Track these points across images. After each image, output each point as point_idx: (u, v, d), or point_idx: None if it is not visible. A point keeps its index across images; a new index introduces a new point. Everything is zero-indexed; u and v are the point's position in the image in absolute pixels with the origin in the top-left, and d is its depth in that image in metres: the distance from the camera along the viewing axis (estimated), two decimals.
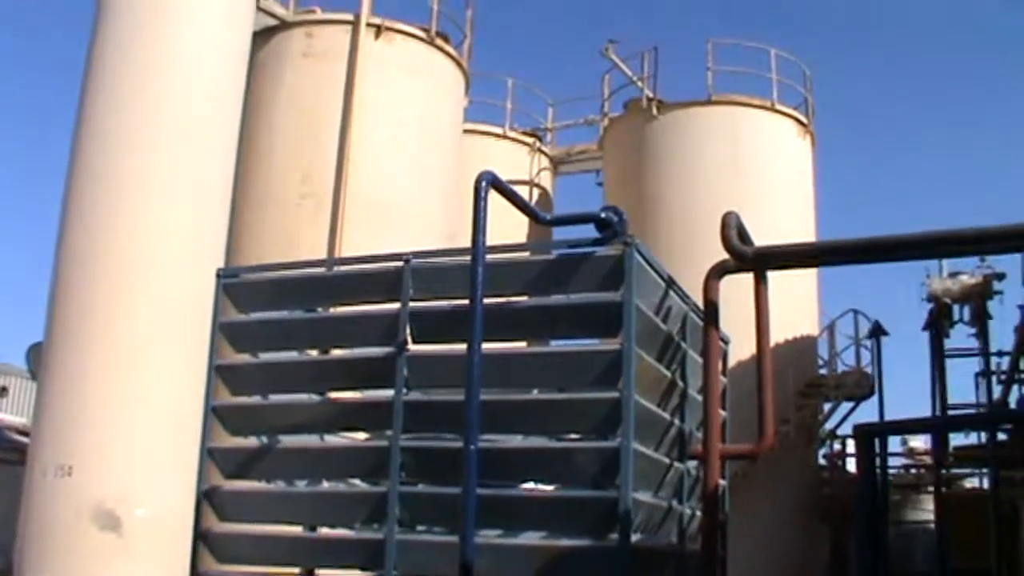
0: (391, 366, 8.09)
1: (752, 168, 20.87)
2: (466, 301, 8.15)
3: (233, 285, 8.90)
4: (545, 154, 23.92)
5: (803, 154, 21.87)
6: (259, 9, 17.53)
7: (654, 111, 21.12)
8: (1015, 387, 21.98)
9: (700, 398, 9.51)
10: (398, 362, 8.05)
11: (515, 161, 22.99)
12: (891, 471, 27.79)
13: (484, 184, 7.24)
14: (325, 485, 8.72)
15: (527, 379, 8.05)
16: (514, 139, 23.32)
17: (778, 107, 21.33)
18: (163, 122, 15.30)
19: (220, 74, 16.12)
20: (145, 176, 15.13)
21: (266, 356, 8.92)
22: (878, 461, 11.15)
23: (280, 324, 8.80)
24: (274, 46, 18.11)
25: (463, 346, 8.19)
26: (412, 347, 8.12)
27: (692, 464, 9.29)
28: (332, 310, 8.97)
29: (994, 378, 24.58)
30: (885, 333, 22.45)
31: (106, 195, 14.91)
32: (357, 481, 8.71)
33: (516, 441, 8.30)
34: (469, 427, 6.64)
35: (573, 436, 8.51)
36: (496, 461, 7.81)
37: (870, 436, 10.13)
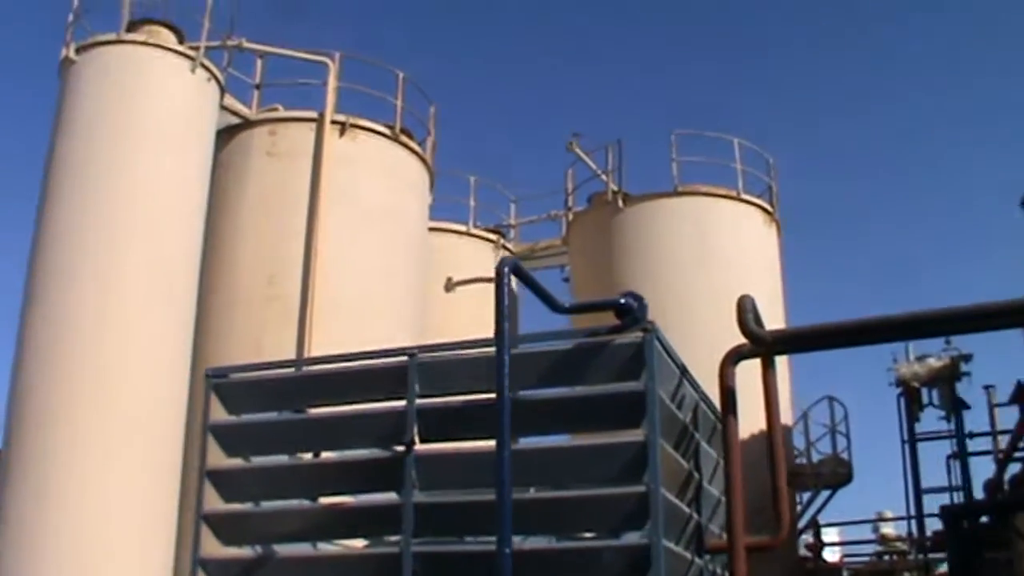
0: (398, 467, 7.64)
1: (720, 257, 20.67)
2: (474, 396, 7.84)
3: (223, 385, 8.42)
4: (509, 250, 23.63)
5: (770, 242, 21.75)
6: (222, 108, 17.21)
7: (620, 204, 20.90)
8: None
9: (713, 489, 9.17)
10: (406, 462, 7.61)
11: (479, 258, 22.63)
12: (864, 558, 27.54)
13: (506, 270, 6.89)
14: None
15: (547, 475, 7.62)
16: (478, 236, 22.99)
17: (744, 196, 21.23)
18: (127, 222, 14.87)
19: (184, 172, 15.78)
20: (109, 277, 14.64)
21: (259, 460, 8.42)
22: None
23: (275, 425, 8.33)
24: (237, 144, 17.72)
25: (474, 444, 7.82)
26: (420, 446, 7.68)
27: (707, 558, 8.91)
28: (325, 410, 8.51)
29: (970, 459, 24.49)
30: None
31: (67, 296, 14.39)
32: None
33: (534, 541, 7.83)
34: (502, 528, 6.18)
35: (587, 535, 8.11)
36: (522, 563, 7.36)
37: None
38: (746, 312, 8.27)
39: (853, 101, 75.66)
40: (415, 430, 7.65)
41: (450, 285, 21.99)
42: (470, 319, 21.70)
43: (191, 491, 15.07)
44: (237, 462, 8.39)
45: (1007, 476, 16.60)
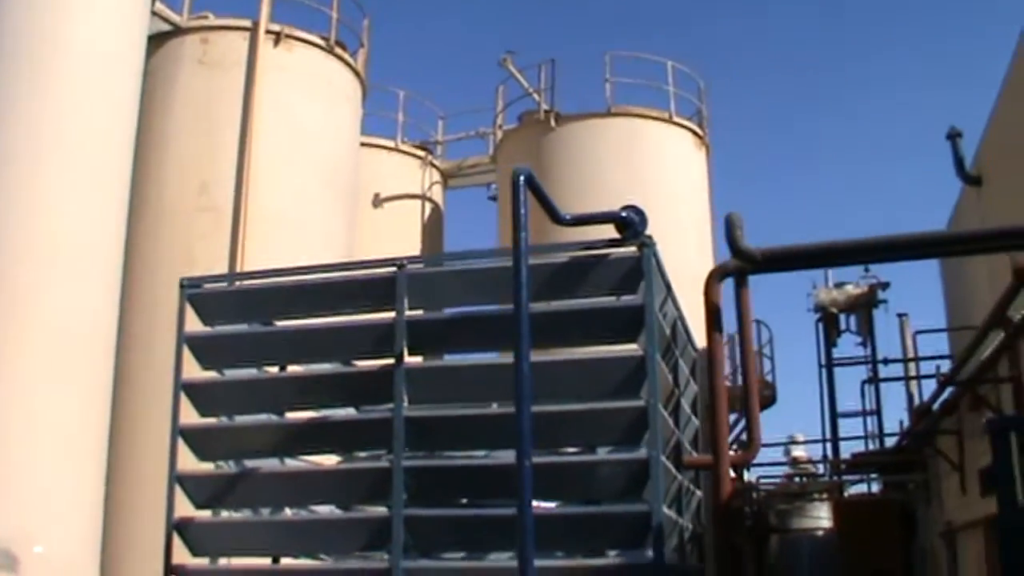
0: (387, 380, 7.45)
1: (650, 180, 20.66)
2: (460, 309, 7.71)
3: (198, 296, 8.11)
4: (436, 167, 23.37)
5: (699, 165, 21.84)
6: (152, 13, 16.54)
7: (551, 123, 20.75)
8: None
9: (686, 405, 9.17)
10: (396, 375, 7.41)
11: (407, 174, 22.39)
12: (775, 480, 28.19)
13: (522, 180, 6.70)
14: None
15: (545, 389, 7.51)
16: (406, 152, 22.70)
17: (675, 119, 21.23)
18: (54, 132, 14.24)
19: (113, 77, 15.10)
20: (35, 188, 14.04)
21: (238, 373, 8.17)
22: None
23: (255, 337, 8.07)
24: (167, 52, 17.09)
25: (462, 357, 7.70)
26: (410, 359, 7.51)
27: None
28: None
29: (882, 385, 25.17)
30: None
31: None
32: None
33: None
34: (521, 440, 6.06)
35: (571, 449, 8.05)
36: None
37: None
38: (736, 228, 8.23)
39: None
40: (404, 343, 7.46)
41: (377, 201, 21.68)
42: (396, 235, 21.52)
43: (127, 405, 14.91)
44: (214, 375, 8.11)
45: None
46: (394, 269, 7.62)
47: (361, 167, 20.01)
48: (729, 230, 8.25)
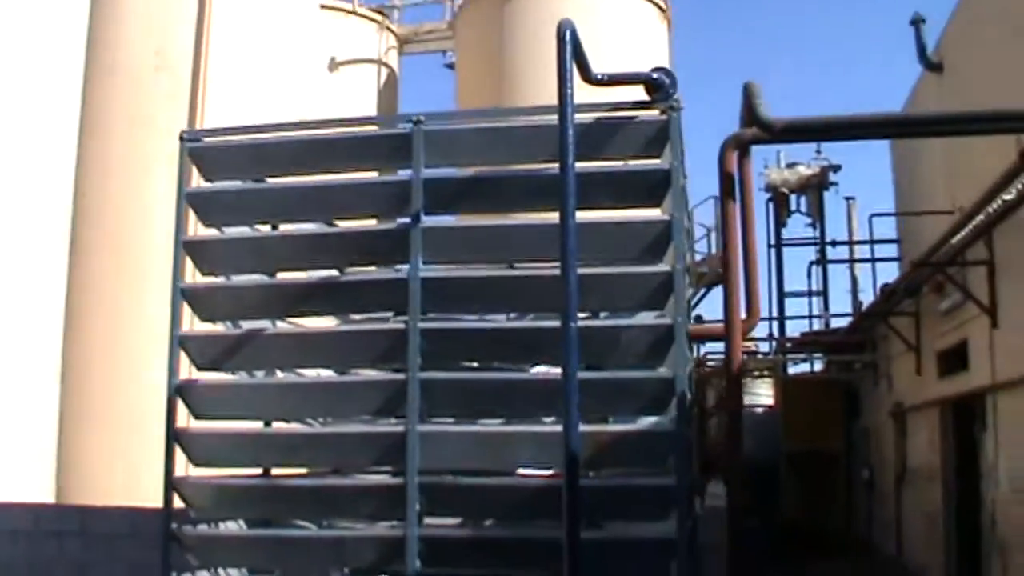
0: (403, 240, 7.19)
1: (612, 53, 20.26)
2: (482, 168, 7.48)
3: (201, 150, 7.74)
4: (393, 32, 22.77)
5: (661, 40, 21.51)
6: None
7: None
8: None
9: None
10: (413, 235, 7.16)
11: (363, 39, 21.77)
12: (719, 357, 28.51)
13: (568, 33, 6.42)
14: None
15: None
16: (363, 16, 22.05)
17: None
18: None
19: None
20: None
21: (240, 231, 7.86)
22: None
23: (264, 193, 7.74)
24: None
25: (481, 217, 7.50)
26: (427, 219, 7.25)
27: None
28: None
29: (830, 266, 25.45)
30: None
31: None
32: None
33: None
34: (568, 302, 5.86)
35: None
36: (539, 341, 7.14)
37: None
38: (756, 97, 8.03)
39: None
40: (421, 202, 7.20)
41: (333, 65, 21.10)
42: (352, 100, 21.02)
43: (80, 274, 14.47)
44: (218, 233, 7.80)
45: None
46: (410, 125, 7.31)
47: (318, 30, 19.39)
48: (748, 98, 8.05)
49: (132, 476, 13.23)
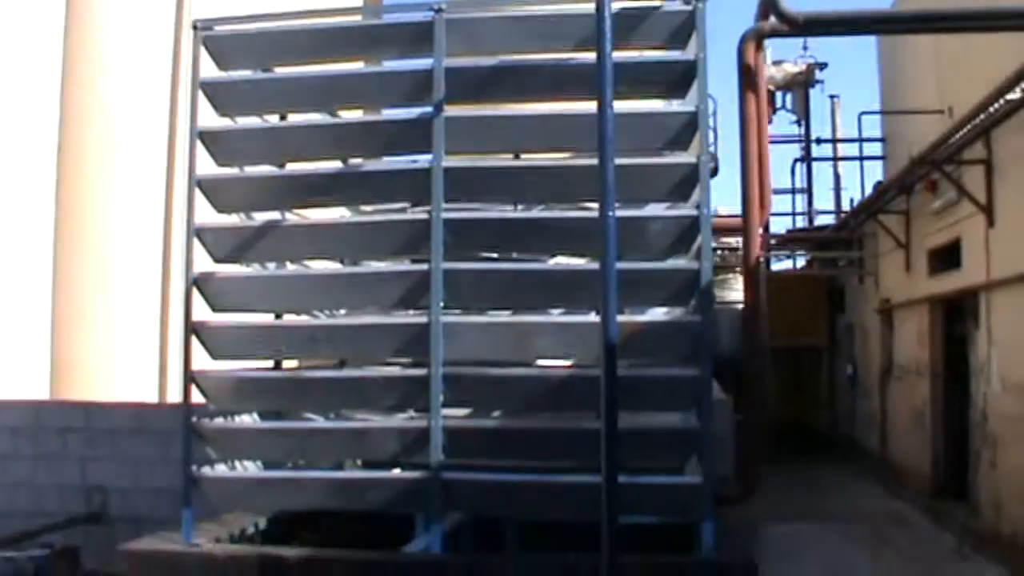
0: (425, 129, 7.09)
1: None
2: (505, 57, 7.36)
3: (215, 39, 7.56)
4: None
5: None
6: None
7: None
8: None
9: None
10: (435, 124, 7.06)
11: None
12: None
13: None
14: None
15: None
16: None
17: None
18: None
19: None
20: None
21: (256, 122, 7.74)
22: None
23: (280, 82, 7.59)
24: None
25: (503, 107, 7.40)
26: (449, 108, 7.14)
27: None
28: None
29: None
30: None
31: None
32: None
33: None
34: (605, 192, 5.78)
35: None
36: (562, 232, 7.11)
37: None
38: None
39: None
40: (443, 91, 7.08)
41: None
42: None
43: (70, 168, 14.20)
44: (233, 123, 7.66)
45: None
46: (432, 13, 7.17)
47: None
48: None
49: (127, 375, 13.19)
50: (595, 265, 7.35)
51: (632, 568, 5.94)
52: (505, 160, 7.39)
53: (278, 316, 8.00)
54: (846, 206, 24.82)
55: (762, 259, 8.07)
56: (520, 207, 7.81)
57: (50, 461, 11.80)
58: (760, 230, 8.46)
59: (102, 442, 11.64)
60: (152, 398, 13.22)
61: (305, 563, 6.91)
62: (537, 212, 7.52)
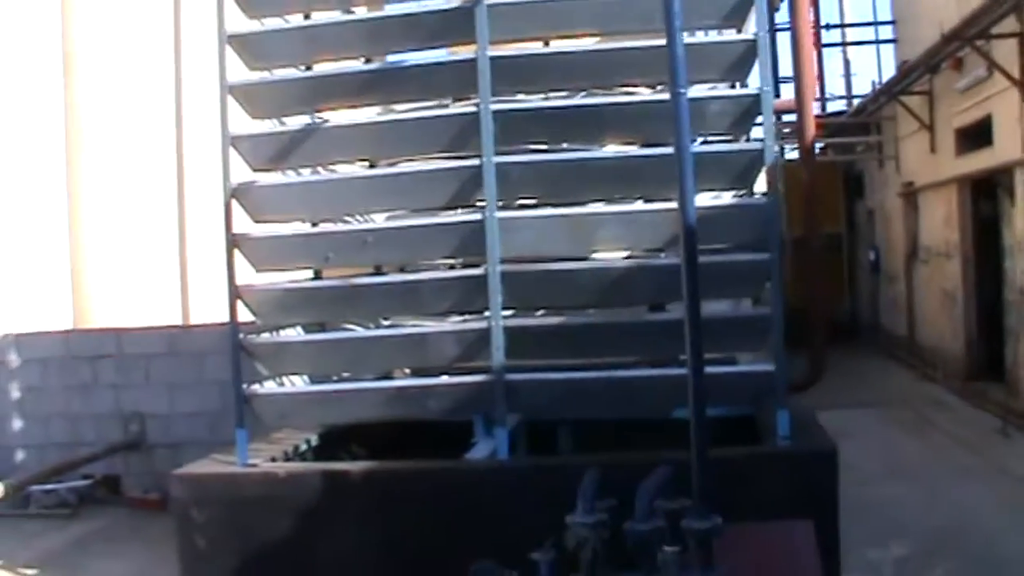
0: (467, 19, 6.72)
1: None
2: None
3: None
4: None
5: None
6: None
7: None
8: None
9: None
10: (477, 12, 6.69)
11: None
12: None
13: None
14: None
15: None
16: None
17: None
18: None
19: None
20: None
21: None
22: None
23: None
24: None
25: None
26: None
27: None
28: None
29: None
30: None
31: None
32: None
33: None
34: (675, 69, 5.41)
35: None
36: (625, 117, 6.80)
37: None
38: None
39: None
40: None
41: None
42: None
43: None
44: (265, 26, 7.29)
45: None
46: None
47: None
48: None
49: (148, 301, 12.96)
50: (656, 150, 7.13)
51: (716, 463, 5.70)
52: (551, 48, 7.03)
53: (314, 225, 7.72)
54: (858, 92, 24.42)
55: (811, 141, 7.72)
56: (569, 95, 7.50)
57: (83, 390, 11.63)
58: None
59: (135, 368, 11.46)
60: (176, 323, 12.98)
61: (370, 476, 6.69)
62: (588, 99, 7.16)
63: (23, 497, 10.50)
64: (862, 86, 23.00)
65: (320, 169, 7.54)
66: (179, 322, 13.02)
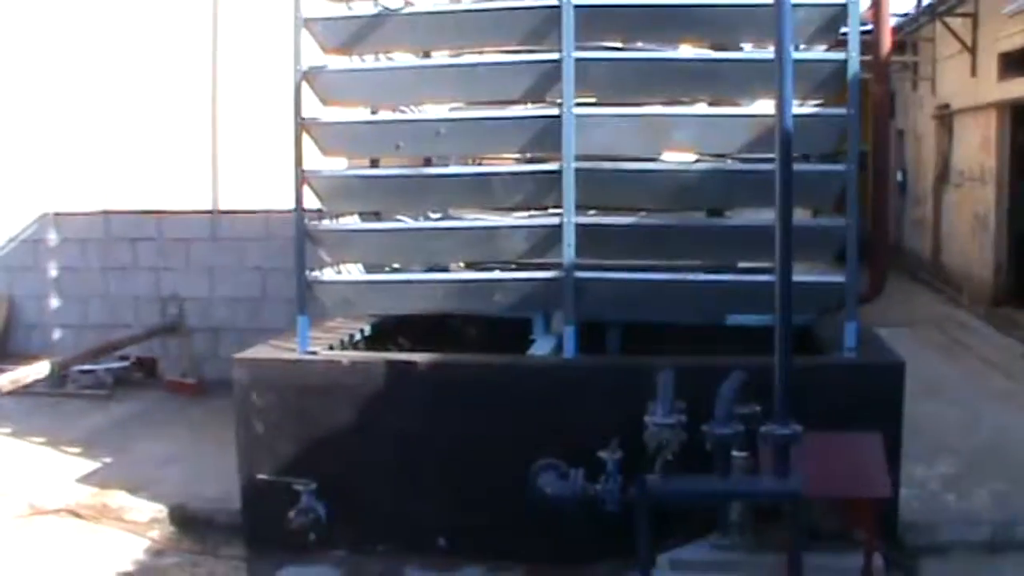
0: None
1: None
2: None
3: None
4: None
5: None
6: None
7: None
8: None
9: None
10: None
11: None
12: None
13: None
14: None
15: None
16: None
17: None
18: None
19: None
20: None
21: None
22: None
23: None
24: None
25: None
26: None
27: None
28: None
29: None
30: None
31: None
32: None
33: None
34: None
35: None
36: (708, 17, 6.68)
37: None
38: None
39: None
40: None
41: None
42: None
43: None
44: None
45: None
46: None
47: None
48: None
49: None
50: (741, 53, 7.03)
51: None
52: None
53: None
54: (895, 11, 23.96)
55: (888, 55, 7.57)
56: None
57: (122, 272, 11.60)
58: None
59: (175, 252, 11.41)
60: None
61: (437, 367, 6.69)
62: None
63: (61, 377, 10.49)
64: (900, 5, 22.44)
65: (385, 57, 7.44)
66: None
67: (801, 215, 7.44)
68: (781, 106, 5.40)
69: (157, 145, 12.71)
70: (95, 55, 12.68)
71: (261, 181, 12.01)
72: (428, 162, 8.20)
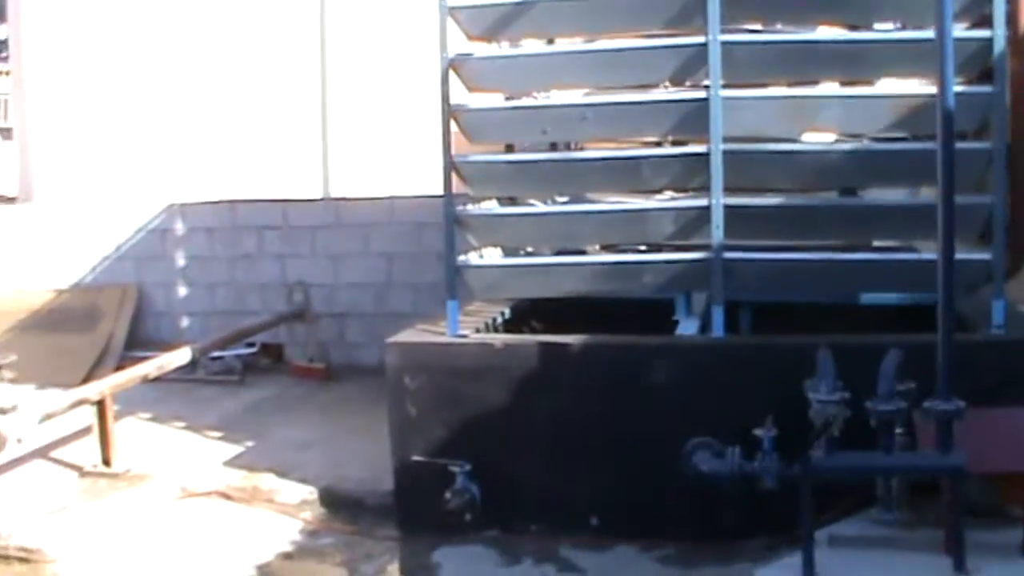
0: None
1: None
2: None
3: None
4: None
5: None
6: None
7: None
8: None
9: None
10: None
11: None
12: None
13: None
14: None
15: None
16: None
17: None
18: None
19: None
20: None
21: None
22: None
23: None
24: None
25: None
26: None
27: None
28: None
29: None
30: None
31: None
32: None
33: None
34: None
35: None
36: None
37: None
38: None
39: None
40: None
41: None
42: None
43: None
44: None
45: None
46: None
47: None
48: None
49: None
50: (890, 34, 7.03)
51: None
52: None
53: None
54: None
55: None
56: None
57: (248, 260, 11.85)
58: None
59: (300, 239, 11.64)
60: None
61: (591, 349, 6.80)
62: None
63: (190, 363, 10.76)
64: None
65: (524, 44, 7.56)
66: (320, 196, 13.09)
67: (934, 194, 7.50)
68: (943, 84, 5.44)
69: (276, 136, 13.00)
70: (213, 51, 12.98)
71: (381, 168, 12.26)
72: (554, 147, 8.29)
